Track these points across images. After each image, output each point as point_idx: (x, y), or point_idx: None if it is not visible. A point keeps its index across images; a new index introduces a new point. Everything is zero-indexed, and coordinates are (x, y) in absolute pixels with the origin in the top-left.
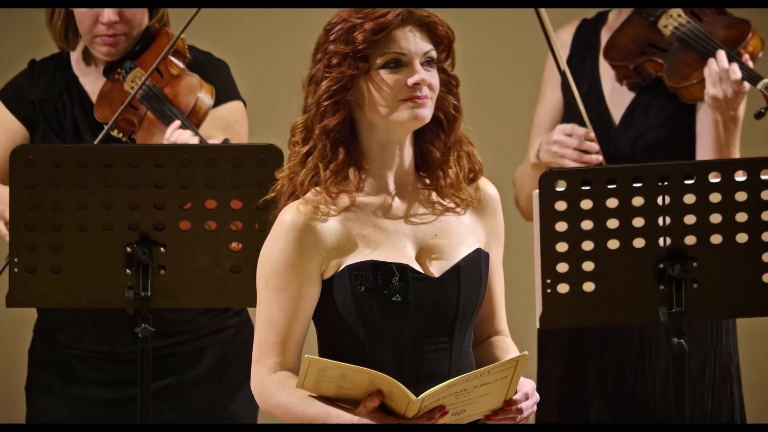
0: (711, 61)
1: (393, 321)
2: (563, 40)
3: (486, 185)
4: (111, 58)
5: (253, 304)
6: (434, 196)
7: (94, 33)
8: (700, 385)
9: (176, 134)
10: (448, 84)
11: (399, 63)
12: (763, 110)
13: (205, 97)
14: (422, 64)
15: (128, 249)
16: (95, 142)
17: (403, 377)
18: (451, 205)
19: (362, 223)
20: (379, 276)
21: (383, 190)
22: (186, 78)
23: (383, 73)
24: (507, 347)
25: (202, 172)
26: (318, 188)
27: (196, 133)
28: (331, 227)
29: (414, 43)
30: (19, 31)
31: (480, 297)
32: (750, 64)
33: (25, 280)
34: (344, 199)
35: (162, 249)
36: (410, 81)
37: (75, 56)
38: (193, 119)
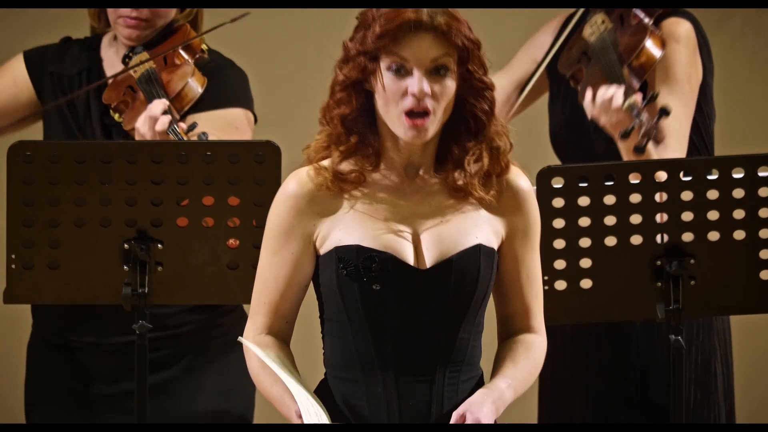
0: (599, 92)
1: (374, 308)
2: (545, 40)
3: (516, 177)
4: (132, 42)
5: (250, 302)
6: (449, 190)
7: (119, 13)
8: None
9: (153, 104)
10: (476, 89)
11: (403, 69)
12: (628, 131)
13: (195, 84)
14: (431, 72)
15: (125, 245)
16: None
17: (384, 365)
18: (464, 201)
19: (364, 204)
20: (361, 262)
21: (395, 176)
22: (183, 66)
23: (387, 76)
24: (530, 346)
25: (199, 169)
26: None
27: (170, 113)
28: (331, 201)
29: (419, 50)
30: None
31: (477, 293)
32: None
33: (23, 277)
34: (353, 178)
35: (159, 245)
36: (409, 91)
37: (107, 39)
38: (176, 104)
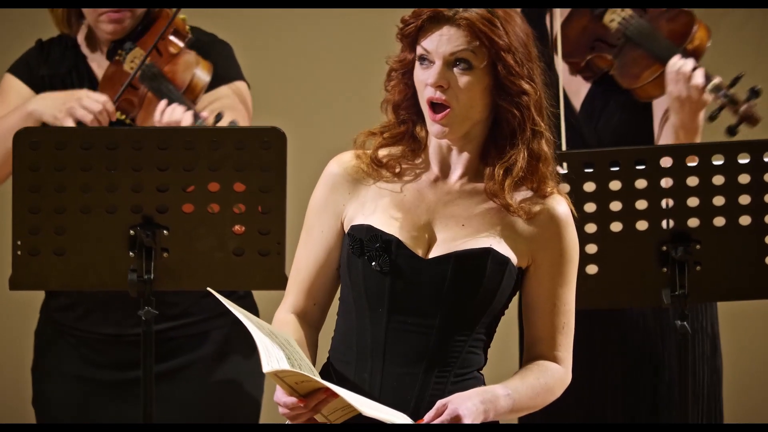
0: (671, 61)
1: (374, 290)
2: None
3: (555, 202)
4: (115, 36)
5: (255, 287)
6: (481, 196)
7: (100, 11)
8: (692, 359)
9: (168, 111)
10: (507, 92)
11: (427, 60)
12: (715, 113)
13: (202, 73)
14: (451, 65)
15: (131, 232)
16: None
17: (376, 351)
18: (494, 213)
19: (393, 193)
20: (366, 241)
21: (432, 173)
22: (184, 55)
23: (417, 66)
24: (545, 370)
25: (205, 155)
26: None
27: (190, 108)
28: (365, 185)
29: (440, 43)
30: (24, 12)
31: (479, 296)
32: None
33: (29, 263)
34: (387, 164)
35: (165, 232)
36: (426, 81)
37: (82, 36)
38: (189, 95)
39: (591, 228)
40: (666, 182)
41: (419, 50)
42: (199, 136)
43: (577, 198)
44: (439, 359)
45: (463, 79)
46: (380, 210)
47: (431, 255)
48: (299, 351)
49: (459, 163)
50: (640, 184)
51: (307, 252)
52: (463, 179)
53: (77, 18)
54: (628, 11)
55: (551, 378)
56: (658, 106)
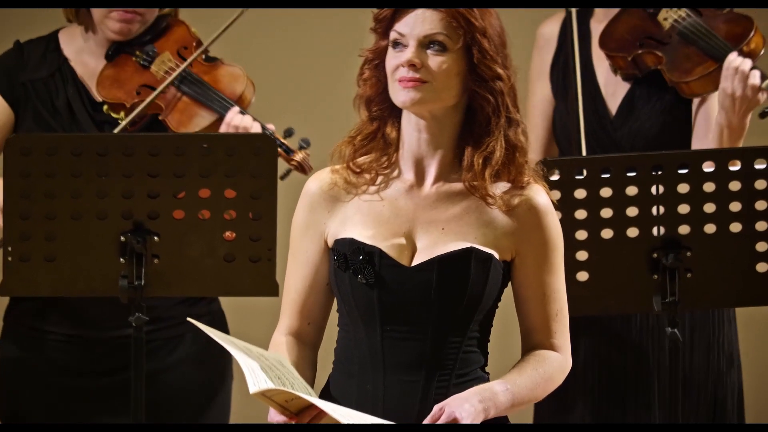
0: (729, 57)
1: (363, 303)
2: (548, 34)
3: (534, 193)
4: (121, 37)
5: (246, 294)
6: (460, 195)
7: (111, 9)
8: (704, 375)
9: (238, 118)
10: (480, 77)
11: (401, 45)
12: (767, 110)
13: (249, 91)
14: (425, 46)
15: (122, 238)
16: (116, 130)
17: (376, 362)
18: (472, 211)
19: (371, 203)
20: (350, 255)
21: (408, 180)
22: (226, 67)
23: (389, 52)
24: (543, 360)
25: (196, 161)
26: (361, 159)
27: (255, 119)
28: (343, 199)
29: (414, 25)
30: (5, 12)
31: (467, 296)
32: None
33: (19, 269)
34: (366, 177)
35: (156, 238)
36: (399, 62)
37: (70, 35)
38: (240, 106)
39: (582, 235)
40: (657, 189)
41: (393, 35)
42: (190, 142)
43: (568, 205)
44: (438, 363)
45: (437, 59)
46: (360, 223)
47: (414, 262)
48: (292, 371)
49: (433, 161)
50: (631, 191)
51: (295, 273)
52: (438, 183)
53: (87, 9)
54: (683, 11)
55: (550, 366)
56: (699, 106)
